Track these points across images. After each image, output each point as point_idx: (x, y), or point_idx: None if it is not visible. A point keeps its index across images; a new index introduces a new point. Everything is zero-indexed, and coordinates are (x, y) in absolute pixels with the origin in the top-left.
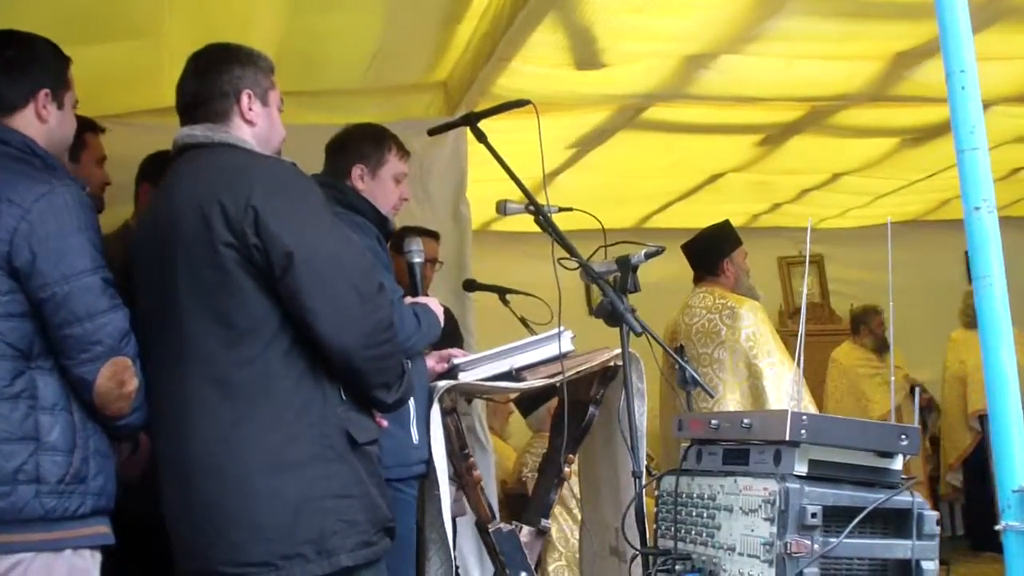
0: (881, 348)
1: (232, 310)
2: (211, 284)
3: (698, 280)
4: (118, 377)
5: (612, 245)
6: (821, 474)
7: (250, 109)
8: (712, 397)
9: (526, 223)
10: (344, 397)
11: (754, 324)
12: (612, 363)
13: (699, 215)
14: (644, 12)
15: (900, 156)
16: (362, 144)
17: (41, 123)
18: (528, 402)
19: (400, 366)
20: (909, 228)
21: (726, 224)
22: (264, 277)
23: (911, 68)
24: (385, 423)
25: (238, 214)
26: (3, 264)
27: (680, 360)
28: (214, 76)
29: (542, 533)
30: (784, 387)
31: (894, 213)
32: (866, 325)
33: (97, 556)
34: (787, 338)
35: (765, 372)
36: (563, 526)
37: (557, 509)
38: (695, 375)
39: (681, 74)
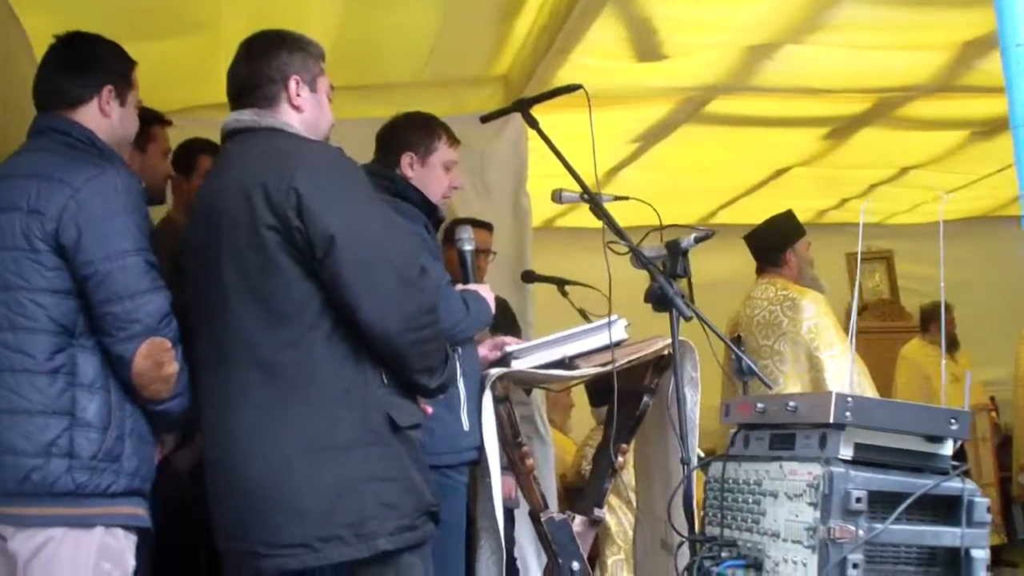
0: (951, 345)
1: (274, 293)
2: (254, 267)
3: (760, 271)
4: (155, 357)
5: (664, 228)
6: (868, 458)
7: (298, 95)
8: (770, 388)
9: (589, 219)
10: (386, 381)
11: (816, 316)
12: (666, 352)
13: (765, 210)
14: (703, 3)
15: (970, 149)
16: (411, 132)
17: (104, 118)
18: (600, 392)
19: (443, 351)
20: (980, 224)
21: (788, 214)
22: (306, 260)
23: (980, 58)
24: (430, 409)
25: (280, 197)
26: (51, 241)
27: (736, 350)
28: (263, 62)
29: (595, 523)
30: (846, 380)
31: (965, 209)
32: (937, 322)
33: (132, 537)
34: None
35: (827, 364)
36: (622, 519)
37: (616, 501)
38: (752, 365)
39: (743, 66)
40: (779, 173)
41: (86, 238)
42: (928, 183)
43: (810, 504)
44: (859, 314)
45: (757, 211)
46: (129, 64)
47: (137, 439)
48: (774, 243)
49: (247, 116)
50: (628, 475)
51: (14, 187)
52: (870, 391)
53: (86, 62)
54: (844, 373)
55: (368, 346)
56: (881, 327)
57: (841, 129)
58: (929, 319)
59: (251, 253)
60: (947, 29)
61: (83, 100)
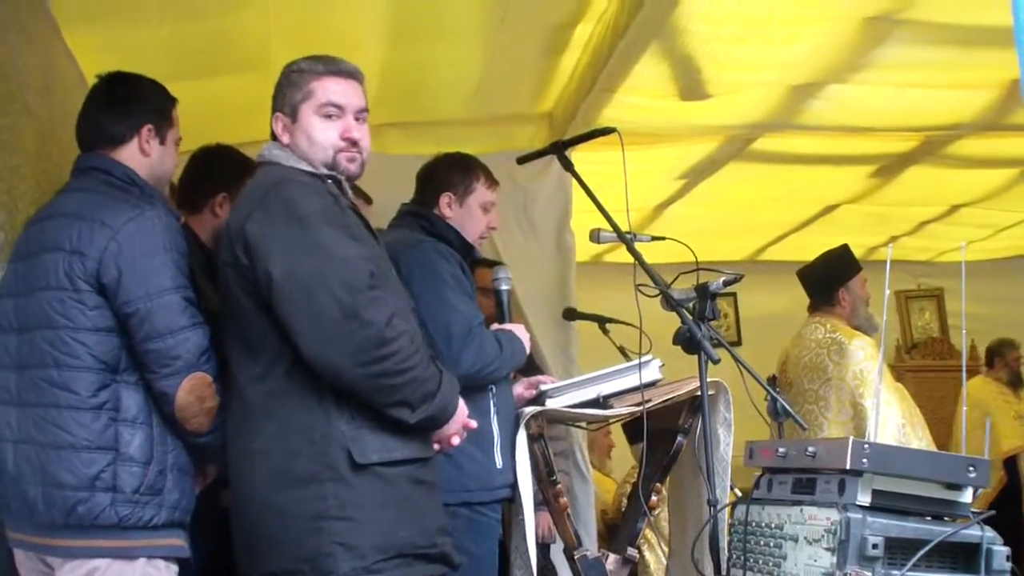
0: (1015, 382)
1: (242, 328)
2: (225, 303)
3: (812, 309)
4: (198, 392)
5: (699, 269)
6: (886, 505)
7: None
8: (804, 429)
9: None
10: (354, 416)
11: (863, 361)
12: (699, 392)
13: (814, 247)
14: (748, 42)
15: (1021, 187)
16: (450, 173)
17: (144, 156)
18: (636, 429)
19: (421, 385)
20: None
21: (844, 249)
22: (260, 296)
23: None
24: (456, 440)
25: (233, 234)
26: (92, 281)
27: (771, 390)
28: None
29: (629, 561)
30: (890, 430)
31: (1017, 246)
32: (1002, 358)
33: (172, 568)
34: (903, 373)
35: (870, 413)
36: (660, 557)
37: (655, 539)
38: (786, 406)
39: (788, 104)
40: (828, 210)
41: (126, 278)
42: (978, 221)
43: (827, 549)
44: (908, 352)
45: (807, 247)
46: (170, 102)
47: (178, 472)
48: (827, 280)
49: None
50: (667, 512)
51: (58, 227)
52: (916, 442)
53: (127, 101)
54: (888, 422)
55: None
56: (931, 366)
57: (889, 167)
58: (994, 355)
59: (222, 289)
60: (993, 68)
61: (124, 139)
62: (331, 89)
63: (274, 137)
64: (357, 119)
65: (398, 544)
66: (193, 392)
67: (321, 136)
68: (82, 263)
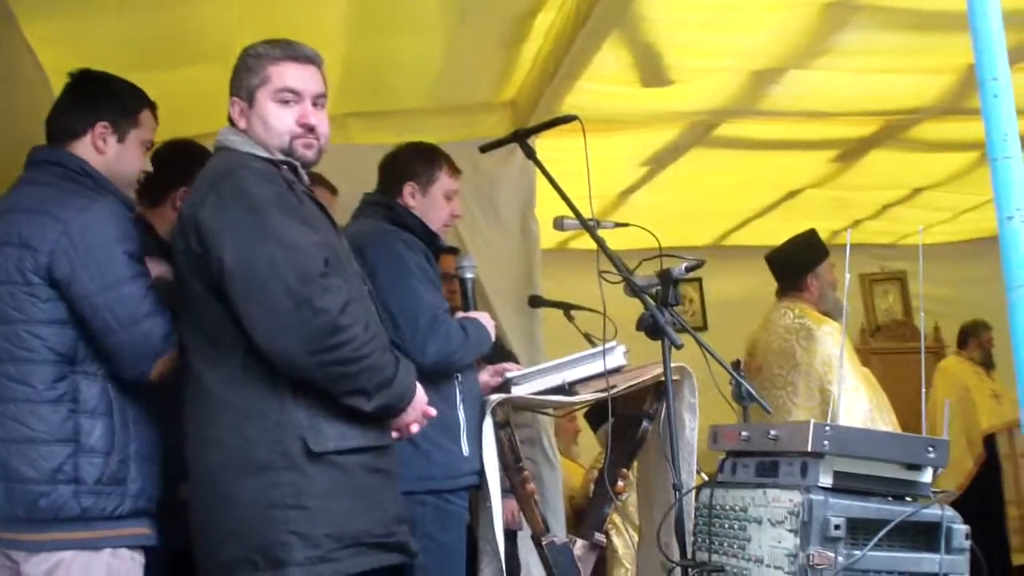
0: (987, 363)
1: (198, 317)
2: (182, 292)
3: (780, 294)
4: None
5: (651, 259)
6: (847, 486)
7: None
8: (768, 413)
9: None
10: (308, 404)
11: (832, 347)
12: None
13: (778, 232)
14: (709, 28)
15: (983, 170)
16: (413, 162)
17: (97, 153)
18: (598, 416)
19: (378, 373)
20: (995, 244)
21: (811, 234)
22: (214, 284)
23: None
24: (432, 411)
25: (186, 223)
26: (44, 275)
27: (735, 375)
28: None
29: (596, 547)
30: (857, 414)
31: (978, 229)
32: (975, 339)
33: (138, 557)
34: (868, 356)
35: (838, 398)
36: (629, 541)
37: (623, 524)
38: (751, 390)
39: (750, 90)
40: (791, 195)
41: (80, 271)
42: (941, 204)
43: (791, 531)
44: (872, 335)
45: (771, 232)
46: (139, 104)
47: (141, 461)
48: (795, 266)
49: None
50: (635, 497)
51: (7, 223)
52: (883, 427)
53: (87, 97)
54: (856, 407)
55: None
56: (895, 348)
57: (850, 151)
58: (968, 335)
59: (177, 277)
60: (950, 53)
61: (77, 134)
62: (288, 74)
63: (231, 122)
64: (315, 104)
65: (354, 533)
66: (164, 376)
67: (277, 122)
68: (33, 257)
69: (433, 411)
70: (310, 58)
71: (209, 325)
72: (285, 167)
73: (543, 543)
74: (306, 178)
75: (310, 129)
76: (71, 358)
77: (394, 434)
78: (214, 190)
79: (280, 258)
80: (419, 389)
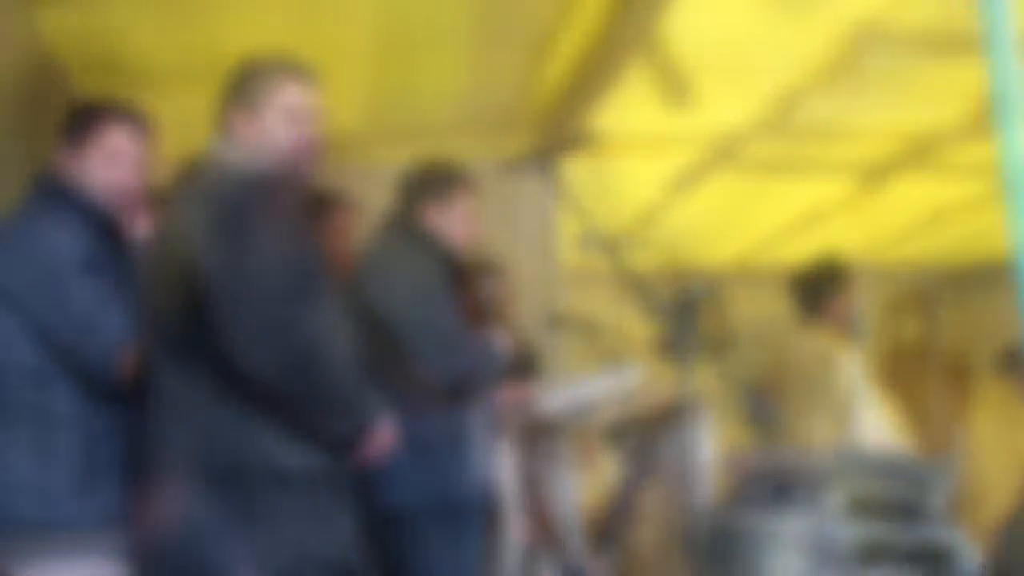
0: None
1: (167, 328)
2: (153, 300)
3: (802, 318)
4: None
5: (673, 279)
6: (859, 510)
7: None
8: (786, 437)
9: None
10: (271, 422)
11: (851, 371)
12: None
13: (800, 254)
14: (733, 51)
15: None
16: (432, 181)
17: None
18: (616, 434)
19: (346, 395)
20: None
21: (832, 259)
22: (188, 295)
23: None
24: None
25: (167, 231)
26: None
27: (753, 398)
28: None
29: (610, 565)
30: (876, 439)
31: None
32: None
33: (110, 567)
34: (891, 381)
35: (857, 422)
36: (641, 560)
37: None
38: (767, 413)
39: (773, 112)
40: (815, 217)
41: (28, 290)
42: (963, 228)
43: (803, 554)
44: (896, 360)
45: (793, 254)
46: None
47: (110, 470)
48: (816, 291)
49: None
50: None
51: None
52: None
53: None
54: (875, 433)
55: (247, 384)
56: (918, 373)
57: (875, 174)
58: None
59: (149, 285)
60: (974, 76)
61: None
62: (290, 89)
63: (231, 133)
64: (315, 120)
65: (307, 555)
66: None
67: (277, 135)
68: None
69: (394, 440)
70: (312, 75)
71: (178, 338)
72: (281, 181)
73: (558, 561)
74: (300, 192)
75: (310, 143)
76: (38, 370)
77: (357, 458)
78: (203, 201)
79: (258, 275)
80: (385, 418)
